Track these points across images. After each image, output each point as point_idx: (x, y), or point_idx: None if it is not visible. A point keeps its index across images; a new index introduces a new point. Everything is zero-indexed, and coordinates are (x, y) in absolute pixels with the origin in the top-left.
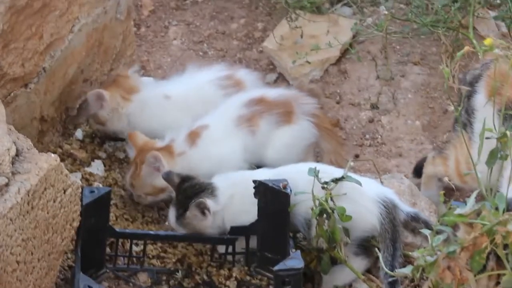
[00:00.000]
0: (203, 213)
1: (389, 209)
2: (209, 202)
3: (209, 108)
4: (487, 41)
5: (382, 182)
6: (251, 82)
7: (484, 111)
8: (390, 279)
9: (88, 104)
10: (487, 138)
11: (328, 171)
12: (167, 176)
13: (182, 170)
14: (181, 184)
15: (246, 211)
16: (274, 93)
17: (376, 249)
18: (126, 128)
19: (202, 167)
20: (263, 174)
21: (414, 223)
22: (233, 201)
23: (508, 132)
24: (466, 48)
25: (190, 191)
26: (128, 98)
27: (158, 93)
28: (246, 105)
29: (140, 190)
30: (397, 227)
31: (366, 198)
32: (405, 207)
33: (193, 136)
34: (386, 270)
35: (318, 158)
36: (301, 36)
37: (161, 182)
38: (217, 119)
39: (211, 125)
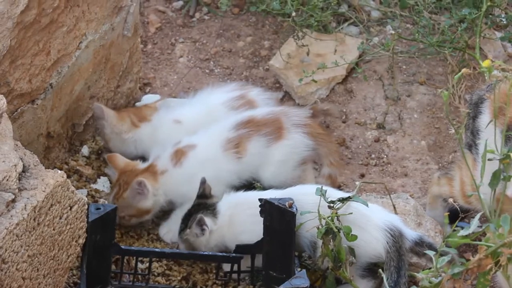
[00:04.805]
0: (202, 230)
1: (396, 238)
2: (207, 220)
3: None
4: (485, 63)
5: (394, 205)
6: (263, 101)
7: (489, 132)
8: None
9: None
10: (489, 159)
11: (335, 195)
12: (203, 181)
13: (165, 189)
14: (196, 198)
15: (247, 231)
16: (262, 112)
17: (380, 270)
18: (134, 152)
19: (182, 188)
20: (269, 195)
21: (419, 247)
22: (233, 221)
23: (511, 154)
24: (464, 70)
25: (194, 209)
26: (138, 125)
27: (169, 118)
28: (235, 127)
29: (124, 211)
30: (402, 256)
31: (373, 225)
32: (410, 233)
33: (179, 155)
34: None
35: (317, 168)
36: (307, 54)
37: (145, 204)
38: (206, 140)
39: (199, 146)
